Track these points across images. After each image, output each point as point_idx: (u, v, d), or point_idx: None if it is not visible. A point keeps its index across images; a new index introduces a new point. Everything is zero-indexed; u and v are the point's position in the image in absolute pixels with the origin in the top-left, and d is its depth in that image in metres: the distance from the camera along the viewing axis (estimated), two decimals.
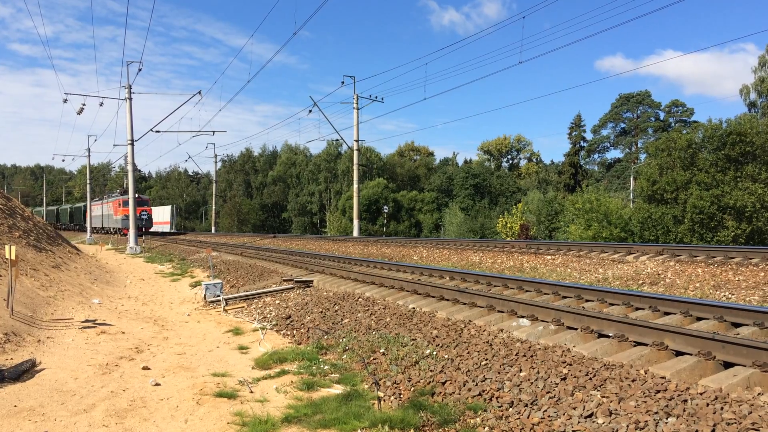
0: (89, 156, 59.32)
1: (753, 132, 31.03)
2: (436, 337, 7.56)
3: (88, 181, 61.32)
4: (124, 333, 9.86)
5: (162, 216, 72.00)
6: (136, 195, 54.08)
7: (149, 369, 7.59)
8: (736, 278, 11.41)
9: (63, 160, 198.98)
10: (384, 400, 6.01)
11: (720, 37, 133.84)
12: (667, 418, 4.42)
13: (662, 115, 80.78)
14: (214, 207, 70.81)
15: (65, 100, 39.73)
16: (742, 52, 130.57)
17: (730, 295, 10.44)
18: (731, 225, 29.62)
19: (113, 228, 61.13)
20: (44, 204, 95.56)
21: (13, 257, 9.58)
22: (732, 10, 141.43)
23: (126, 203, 50.30)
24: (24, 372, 6.92)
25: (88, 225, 56.32)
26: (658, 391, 4.87)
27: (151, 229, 61.29)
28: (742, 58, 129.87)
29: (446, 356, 6.76)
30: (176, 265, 23.86)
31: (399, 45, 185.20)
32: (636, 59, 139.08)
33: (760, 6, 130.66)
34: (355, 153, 39.94)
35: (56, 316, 10.52)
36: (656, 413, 4.50)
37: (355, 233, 39.45)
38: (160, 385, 6.84)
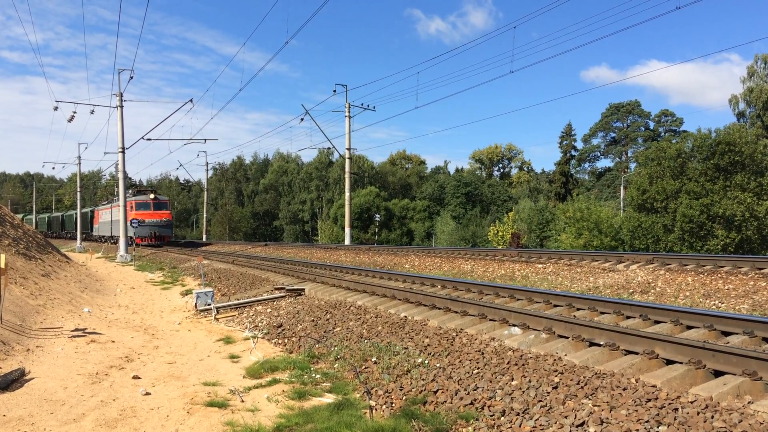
0: (79, 164, 58.98)
1: (742, 142, 31.35)
2: (428, 345, 7.56)
3: (78, 189, 60.97)
4: (114, 342, 9.79)
5: None
6: (153, 196, 47.00)
7: (139, 378, 7.55)
8: (726, 287, 11.48)
9: (53, 168, 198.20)
10: (376, 409, 6.00)
11: (704, 46, 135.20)
12: (658, 427, 4.44)
13: (652, 125, 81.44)
14: (205, 215, 70.58)
15: (56, 108, 39.36)
16: (726, 62, 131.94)
17: (719, 304, 10.50)
18: (721, 234, 29.84)
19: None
20: (34, 211, 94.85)
21: (2, 265, 9.51)
22: (716, 21, 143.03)
23: (142, 205, 45.36)
24: (13, 381, 6.87)
25: (78, 233, 55.34)
26: (649, 400, 4.89)
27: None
28: (726, 68, 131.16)
29: (438, 365, 6.76)
30: (167, 274, 23.74)
31: (388, 54, 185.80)
32: (621, 69, 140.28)
33: (743, 17, 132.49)
34: (347, 161, 39.97)
35: (46, 324, 10.44)
36: (647, 422, 4.52)
37: (347, 241, 39.41)
38: (150, 394, 6.80)
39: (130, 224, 39.09)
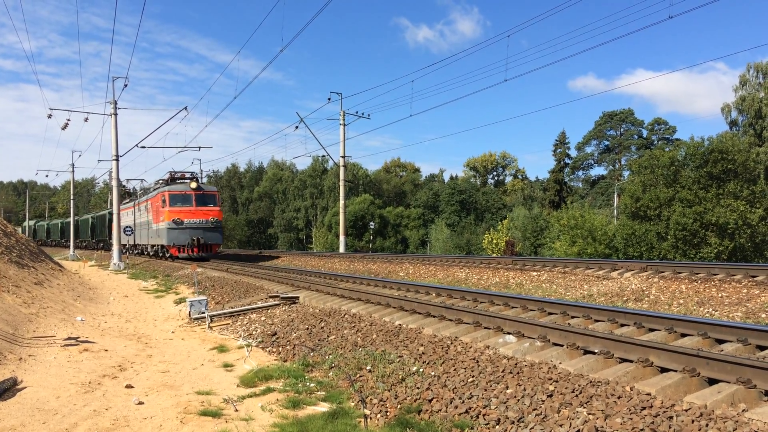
0: (73, 171, 58.84)
1: (735, 150, 31.56)
2: (423, 353, 7.55)
3: (71, 197, 60.77)
4: (107, 351, 9.74)
5: None
6: (196, 185, 32.97)
7: (132, 387, 7.50)
8: (720, 295, 11.51)
9: (47, 176, 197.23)
10: (370, 418, 5.98)
11: (690, 55, 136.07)
12: None
13: (645, 133, 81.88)
14: None
15: (50, 116, 39.27)
16: (712, 71, 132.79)
17: (713, 312, 10.53)
18: (714, 242, 29.95)
19: (152, 246, 36.49)
20: (27, 219, 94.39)
21: None
22: (702, 30, 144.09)
23: (179, 198, 31.86)
24: (5, 391, 6.81)
25: (71, 241, 54.80)
26: (644, 408, 4.89)
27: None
28: (713, 77, 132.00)
29: (433, 373, 6.74)
30: (160, 282, 23.65)
31: (379, 62, 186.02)
32: (608, 79, 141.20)
33: (730, 25, 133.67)
34: (342, 169, 40.00)
35: (38, 333, 10.37)
36: (642, 430, 4.51)
37: (342, 249, 39.38)
38: (143, 403, 6.76)
39: (124, 232, 37.44)
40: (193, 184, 32.67)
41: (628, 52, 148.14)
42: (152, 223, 34.85)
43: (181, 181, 34.35)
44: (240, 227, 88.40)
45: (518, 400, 5.54)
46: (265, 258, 35.16)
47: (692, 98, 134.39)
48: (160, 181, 36.26)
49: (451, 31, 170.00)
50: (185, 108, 34.69)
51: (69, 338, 10.29)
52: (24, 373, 7.73)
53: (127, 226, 39.65)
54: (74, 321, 12.42)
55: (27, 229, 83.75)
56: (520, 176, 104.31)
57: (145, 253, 38.49)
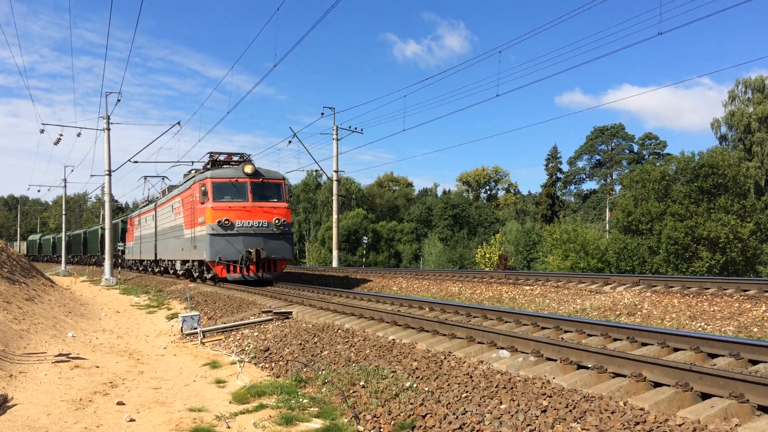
0: (65, 186, 58.67)
1: (725, 164, 31.85)
2: (416, 369, 7.53)
3: (63, 212, 60.50)
4: (98, 367, 9.67)
5: None
6: (252, 169, 21.36)
7: (124, 404, 7.44)
8: (712, 309, 11.56)
9: (39, 191, 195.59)
10: None
11: (676, 70, 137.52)
12: None
13: (636, 148, 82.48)
14: None
15: (42, 131, 39.13)
16: (698, 86, 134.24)
17: (705, 326, 10.56)
18: (705, 255, 30.11)
19: (183, 262, 25.89)
20: (18, 234, 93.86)
21: None
22: (689, 46, 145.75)
23: (226, 188, 20.95)
24: None
25: (62, 256, 54.41)
26: (637, 423, 4.89)
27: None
28: (699, 92, 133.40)
29: (426, 388, 6.73)
30: (152, 297, 23.50)
31: (370, 77, 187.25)
32: (594, 94, 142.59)
33: (717, 41, 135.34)
34: (335, 184, 40.05)
35: (29, 350, 10.29)
36: None
37: (335, 264, 39.34)
38: (135, 420, 6.70)
39: (118, 246, 36.97)
40: (248, 168, 21.42)
41: (614, 68, 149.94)
42: (184, 229, 23.99)
43: (227, 164, 23.21)
44: None
45: (512, 415, 5.53)
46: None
47: (679, 113, 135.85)
48: (193, 171, 25.80)
49: (439, 46, 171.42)
50: (178, 123, 34.74)
51: (60, 354, 10.21)
52: (14, 390, 7.66)
53: (118, 243, 39.16)
54: (65, 337, 12.32)
55: (26, 243, 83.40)
56: (512, 190, 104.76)
57: (171, 271, 28.27)
